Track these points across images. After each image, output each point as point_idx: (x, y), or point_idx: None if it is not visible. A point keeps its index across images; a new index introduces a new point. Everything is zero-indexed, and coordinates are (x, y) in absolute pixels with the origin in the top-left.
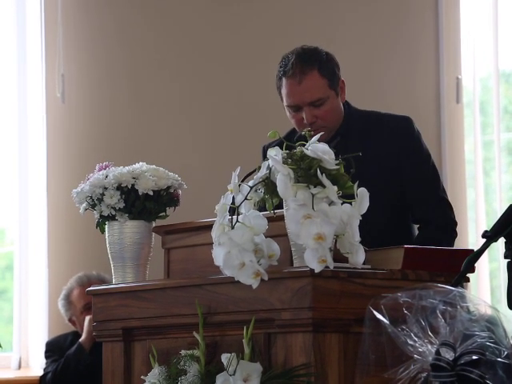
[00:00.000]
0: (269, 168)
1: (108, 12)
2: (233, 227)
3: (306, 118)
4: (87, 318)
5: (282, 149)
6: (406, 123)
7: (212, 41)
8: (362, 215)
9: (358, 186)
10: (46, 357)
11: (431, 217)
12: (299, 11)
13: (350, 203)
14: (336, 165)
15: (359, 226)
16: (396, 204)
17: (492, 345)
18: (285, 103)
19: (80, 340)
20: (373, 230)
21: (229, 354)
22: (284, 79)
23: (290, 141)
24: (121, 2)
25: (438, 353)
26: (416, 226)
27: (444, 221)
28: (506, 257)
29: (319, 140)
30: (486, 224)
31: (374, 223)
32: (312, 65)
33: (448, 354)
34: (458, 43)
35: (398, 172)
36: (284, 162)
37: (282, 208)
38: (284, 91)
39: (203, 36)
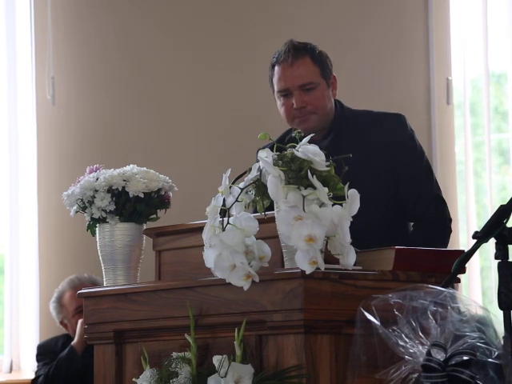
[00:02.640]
0: (259, 170)
1: (98, 15)
2: (224, 229)
3: (296, 102)
4: (80, 321)
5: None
6: (399, 120)
7: (205, 43)
8: (355, 214)
9: (352, 186)
10: (38, 360)
11: (425, 214)
12: (291, 12)
13: (341, 205)
14: (327, 166)
15: (353, 225)
16: (390, 202)
17: (483, 345)
18: (276, 89)
19: (72, 343)
20: (367, 229)
21: (220, 356)
22: (276, 66)
23: (283, 144)
24: (111, 5)
25: (428, 353)
26: (411, 224)
27: (438, 217)
28: (496, 257)
29: (309, 128)
30: (477, 225)
31: (367, 222)
32: (305, 52)
33: (439, 355)
34: (448, 44)
35: (391, 169)
36: (275, 164)
37: (273, 210)
38: (276, 77)
39: (195, 39)
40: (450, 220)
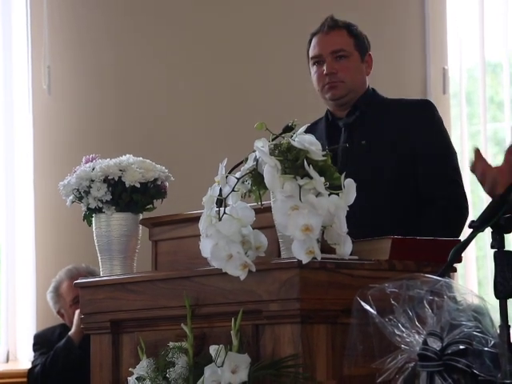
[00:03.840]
0: (256, 159)
1: (94, 3)
2: (220, 219)
3: (326, 68)
4: (77, 312)
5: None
6: (425, 106)
7: (202, 33)
8: (369, 194)
9: (369, 166)
10: (34, 350)
11: (438, 196)
12: (288, 7)
13: (338, 194)
14: (323, 156)
15: (365, 206)
16: (406, 185)
17: (479, 334)
18: (310, 56)
19: (69, 333)
20: (380, 209)
21: (217, 346)
22: (313, 38)
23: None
24: None
25: (425, 343)
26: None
27: (451, 201)
28: (492, 247)
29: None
30: (473, 214)
31: (381, 202)
32: (342, 25)
33: (435, 344)
34: (445, 34)
35: (411, 153)
36: (271, 154)
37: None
38: (311, 47)
39: (193, 28)
40: (466, 207)
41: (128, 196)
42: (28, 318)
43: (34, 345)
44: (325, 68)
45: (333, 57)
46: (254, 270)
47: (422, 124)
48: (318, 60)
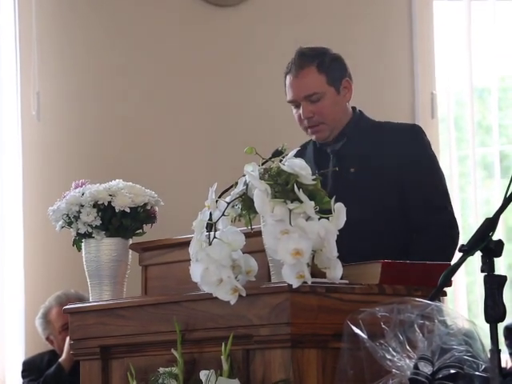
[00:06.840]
0: (246, 184)
1: (83, 30)
2: (210, 243)
3: (303, 113)
4: (68, 339)
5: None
6: (413, 131)
7: (190, 56)
8: (358, 223)
9: (357, 193)
10: (23, 376)
11: (428, 223)
12: (272, 31)
13: (328, 218)
14: (313, 180)
15: (356, 233)
16: (395, 211)
17: (470, 358)
18: (286, 98)
19: (60, 360)
20: (367, 236)
21: (207, 371)
22: (287, 77)
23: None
24: (95, 20)
25: (416, 367)
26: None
27: (440, 228)
28: (482, 271)
29: (320, 138)
30: (463, 238)
31: (371, 230)
32: (311, 61)
33: (426, 368)
34: (432, 59)
35: (399, 180)
36: (261, 178)
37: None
38: (286, 88)
39: (181, 52)
40: (457, 233)
41: (118, 221)
42: (17, 344)
43: (23, 371)
44: (301, 113)
45: (307, 100)
46: (244, 294)
47: (410, 149)
48: (295, 104)
